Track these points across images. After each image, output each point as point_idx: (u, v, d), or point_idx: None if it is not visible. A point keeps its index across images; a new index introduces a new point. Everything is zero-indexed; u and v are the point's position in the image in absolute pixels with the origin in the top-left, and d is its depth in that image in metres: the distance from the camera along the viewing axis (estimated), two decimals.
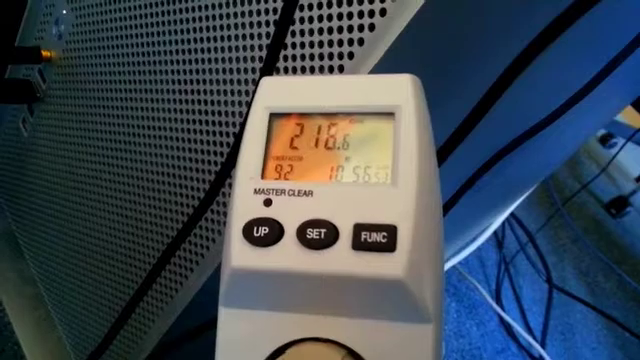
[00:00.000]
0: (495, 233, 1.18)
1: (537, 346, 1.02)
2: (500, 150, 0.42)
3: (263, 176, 0.22)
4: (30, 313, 0.64)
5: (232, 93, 0.34)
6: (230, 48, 0.34)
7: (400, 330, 0.21)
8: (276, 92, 0.23)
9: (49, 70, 0.52)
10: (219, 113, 0.35)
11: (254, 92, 0.24)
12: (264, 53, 0.32)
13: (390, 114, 0.22)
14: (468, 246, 0.97)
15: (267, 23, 0.32)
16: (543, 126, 0.41)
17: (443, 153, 0.31)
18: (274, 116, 0.23)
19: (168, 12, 0.38)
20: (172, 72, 0.39)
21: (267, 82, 0.24)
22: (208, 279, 0.37)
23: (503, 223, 1.14)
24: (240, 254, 0.21)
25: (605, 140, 1.70)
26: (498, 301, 1.10)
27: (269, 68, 0.26)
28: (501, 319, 1.06)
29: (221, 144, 0.35)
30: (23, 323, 0.63)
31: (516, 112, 0.41)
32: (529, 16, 0.31)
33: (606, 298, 1.26)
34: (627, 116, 1.51)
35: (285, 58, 0.31)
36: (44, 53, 0.50)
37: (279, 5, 0.31)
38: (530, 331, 1.08)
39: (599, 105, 0.57)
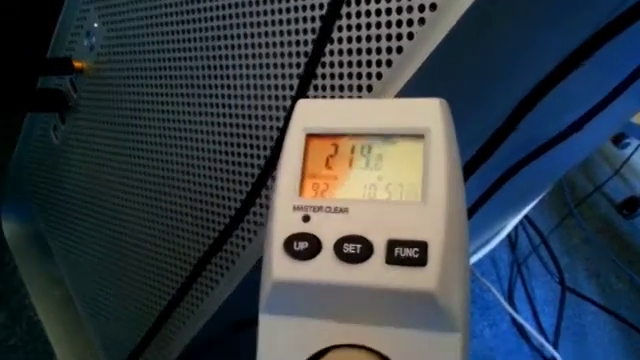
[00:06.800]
0: (508, 234, 1.18)
1: (549, 347, 1.02)
2: (519, 161, 0.43)
3: (301, 193, 0.24)
4: (59, 313, 0.66)
5: (265, 108, 0.36)
6: (268, 65, 0.35)
7: (430, 339, 0.22)
8: (312, 114, 0.25)
9: (81, 80, 0.54)
10: (256, 127, 0.37)
11: (289, 113, 0.25)
12: (297, 70, 0.33)
13: (420, 136, 0.23)
14: (481, 248, 0.98)
15: (303, 43, 0.33)
16: (565, 136, 0.42)
17: (468, 170, 0.33)
18: (310, 137, 0.25)
19: (200, 29, 0.40)
20: (204, 86, 0.40)
21: (303, 104, 0.25)
22: (235, 289, 0.38)
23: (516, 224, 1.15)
24: (281, 267, 0.23)
25: (618, 140, 1.69)
26: (511, 302, 1.11)
27: (304, 90, 0.28)
28: (514, 320, 1.07)
29: (254, 156, 0.37)
30: (52, 322, 0.65)
31: (538, 125, 0.42)
32: (559, 37, 0.32)
33: (618, 299, 1.26)
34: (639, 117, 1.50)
35: (315, 76, 0.32)
36: (76, 64, 0.52)
37: (309, 26, 0.32)
38: (542, 332, 1.09)
39: (617, 109, 0.58)
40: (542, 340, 1.03)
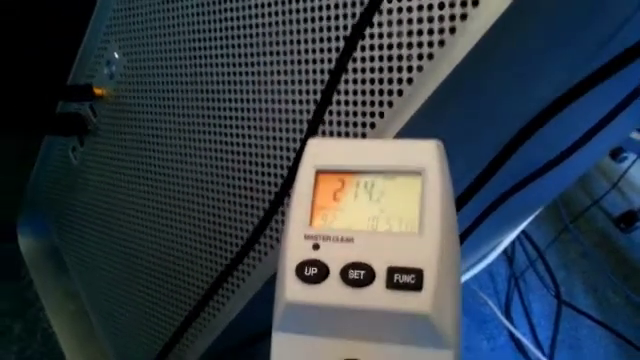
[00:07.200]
0: (505, 248, 1.20)
1: None
2: (518, 183, 0.45)
3: (311, 223, 0.27)
4: (73, 326, 0.68)
5: (276, 139, 0.39)
6: (280, 100, 0.38)
7: (426, 355, 0.25)
8: (321, 152, 0.28)
9: (100, 105, 0.57)
10: (267, 155, 0.40)
11: (300, 150, 0.28)
12: (307, 106, 0.36)
13: (418, 174, 0.26)
14: (479, 263, 1.00)
15: (313, 81, 0.36)
16: (563, 158, 0.44)
17: (467, 195, 0.36)
18: (319, 172, 0.28)
19: (215, 65, 0.43)
20: (220, 117, 0.43)
21: (313, 143, 0.28)
22: (244, 306, 0.41)
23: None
24: (293, 290, 0.26)
25: (616, 154, 1.70)
26: (508, 316, 1.13)
27: (314, 129, 0.31)
28: (511, 334, 1.09)
29: (264, 183, 0.40)
30: (66, 335, 0.68)
31: (537, 148, 0.44)
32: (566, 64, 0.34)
33: (614, 313, 1.28)
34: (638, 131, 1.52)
35: (324, 112, 0.35)
36: (96, 91, 0.55)
37: (318, 67, 0.36)
38: (539, 345, 1.11)
39: (615, 128, 0.60)
40: (539, 354, 1.05)
